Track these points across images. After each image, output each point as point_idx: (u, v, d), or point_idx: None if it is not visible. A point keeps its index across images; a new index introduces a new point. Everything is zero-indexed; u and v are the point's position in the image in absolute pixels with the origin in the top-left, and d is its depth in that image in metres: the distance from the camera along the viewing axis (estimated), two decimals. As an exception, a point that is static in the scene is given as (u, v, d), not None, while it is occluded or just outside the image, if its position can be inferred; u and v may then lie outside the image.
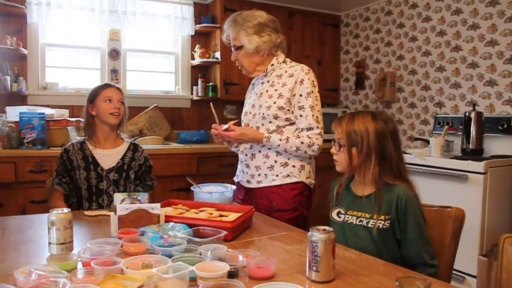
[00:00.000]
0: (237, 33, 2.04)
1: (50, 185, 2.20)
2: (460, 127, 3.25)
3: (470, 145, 3.12)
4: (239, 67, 2.17)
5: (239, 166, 2.22)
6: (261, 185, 2.06)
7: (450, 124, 3.41)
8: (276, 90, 2.04)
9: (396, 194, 1.47)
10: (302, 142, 1.96)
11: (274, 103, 2.01)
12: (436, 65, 3.72)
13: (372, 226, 1.49)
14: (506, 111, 3.18)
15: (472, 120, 3.10)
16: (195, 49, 4.20)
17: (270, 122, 2.02)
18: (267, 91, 2.07)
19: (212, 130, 2.04)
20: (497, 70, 3.24)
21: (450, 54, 3.59)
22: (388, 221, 1.47)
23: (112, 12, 3.79)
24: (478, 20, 3.37)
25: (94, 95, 2.18)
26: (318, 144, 1.99)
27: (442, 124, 3.51)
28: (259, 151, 2.06)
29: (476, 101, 3.37)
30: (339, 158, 1.59)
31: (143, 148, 2.31)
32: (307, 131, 1.98)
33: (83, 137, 2.24)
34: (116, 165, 2.16)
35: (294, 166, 2.03)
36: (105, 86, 2.21)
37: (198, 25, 4.14)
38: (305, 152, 1.98)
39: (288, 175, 2.03)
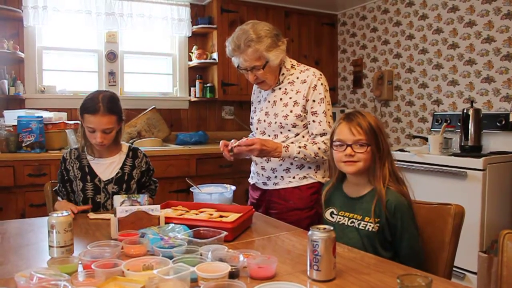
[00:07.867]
0: (259, 52, 1.88)
1: (49, 189, 2.18)
2: (458, 124, 3.25)
3: (469, 142, 3.12)
4: (256, 84, 2.06)
5: (253, 168, 2.17)
6: (278, 187, 2.04)
7: (448, 121, 3.41)
8: (290, 98, 2.00)
9: (386, 199, 1.47)
10: (319, 148, 1.93)
11: (291, 111, 1.98)
12: (433, 62, 3.72)
13: (363, 228, 1.50)
14: (504, 108, 3.18)
15: (470, 117, 3.10)
16: (192, 50, 4.20)
17: (289, 130, 1.99)
18: (281, 99, 2.03)
19: (221, 147, 1.92)
20: (494, 67, 3.25)
21: (447, 52, 3.60)
22: (378, 224, 1.47)
23: (108, 14, 3.79)
24: (474, 17, 3.38)
25: (81, 113, 1.93)
26: None
27: (440, 121, 3.51)
28: None
29: (473, 98, 3.38)
30: (359, 157, 1.51)
31: (142, 151, 2.15)
32: (321, 136, 1.97)
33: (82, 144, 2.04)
34: (115, 176, 2.00)
35: (310, 168, 2.01)
36: (89, 110, 1.88)
37: (195, 26, 4.14)
38: (322, 157, 1.97)
39: (305, 176, 2.01)
